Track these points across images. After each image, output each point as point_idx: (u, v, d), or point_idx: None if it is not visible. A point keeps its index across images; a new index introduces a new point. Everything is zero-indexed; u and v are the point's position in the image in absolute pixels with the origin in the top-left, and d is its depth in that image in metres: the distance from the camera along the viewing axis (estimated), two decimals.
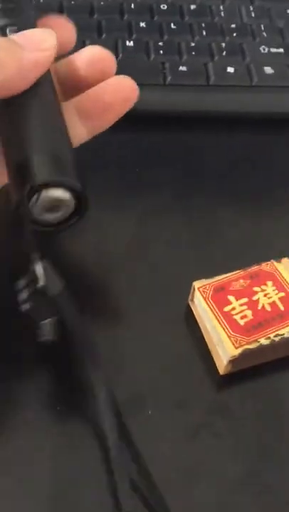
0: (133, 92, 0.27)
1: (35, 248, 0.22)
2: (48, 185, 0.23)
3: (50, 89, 0.25)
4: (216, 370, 0.28)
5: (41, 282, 0.22)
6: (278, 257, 0.30)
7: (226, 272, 0.29)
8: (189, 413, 0.27)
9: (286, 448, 0.26)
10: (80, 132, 0.27)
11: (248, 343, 0.27)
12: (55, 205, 0.23)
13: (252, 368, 0.28)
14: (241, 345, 0.26)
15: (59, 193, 0.23)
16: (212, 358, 0.28)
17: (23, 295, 0.23)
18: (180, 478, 0.25)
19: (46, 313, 0.23)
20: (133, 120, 0.38)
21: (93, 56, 0.26)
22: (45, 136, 0.24)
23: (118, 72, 0.38)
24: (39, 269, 0.22)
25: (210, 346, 0.28)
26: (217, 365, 0.28)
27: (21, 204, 0.22)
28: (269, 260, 0.30)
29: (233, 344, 0.27)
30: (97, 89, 0.27)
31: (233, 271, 0.29)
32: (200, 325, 0.29)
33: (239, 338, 0.27)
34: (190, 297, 0.30)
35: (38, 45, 0.24)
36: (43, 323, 0.23)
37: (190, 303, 0.30)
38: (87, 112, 0.26)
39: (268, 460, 0.25)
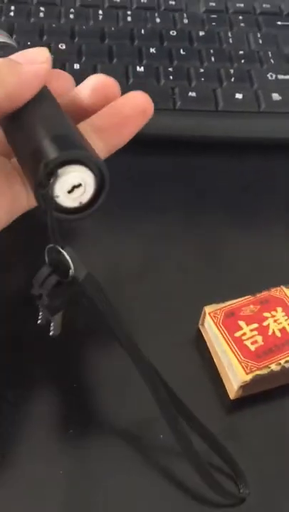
0: (149, 105, 0.28)
1: (58, 237, 0.22)
2: (64, 163, 0.22)
3: (52, 97, 0.26)
4: (226, 394, 0.28)
5: (71, 270, 0.23)
6: (288, 282, 0.30)
7: (235, 297, 0.30)
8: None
9: None
10: (97, 148, 0.27)
11: (258, 369, 0.27)
12: (75, 185, 0.22)
13: (262, 393, 0.28)
14: (252, 371, 0.27)
15: (77, 169, 0.22)
16: (222, 382, 0.28)
17: (44, 289, 0.23)
18: (193, 503, 0.25)
19: (61, 305, 0.24)
20: (143, 144, 0.39)
21: (96, 83, 0.27)
22: (55, 124, 0.24)
23: None
24: (67, 256, 0.23)
25: (220, 370, 0.29)
26: (227, 389, 0.28)
27: (40, 187, 0.22)
28: (278, 285, 0.30)
29: (244, 370, 0.27)
30: (114, 104, 0.27)
31: (242, 295, 0.30)
32: (210, 349, 0.29)
33: (250, 364, 0.27)
34: (200, 321, 0.30)
35: (34, 59, 0.25)
36: (55, 316, 0.24)
37: (200, 327, 0.30)
38: (104, 127, 0.27)
39: (281, 486, 0.26)
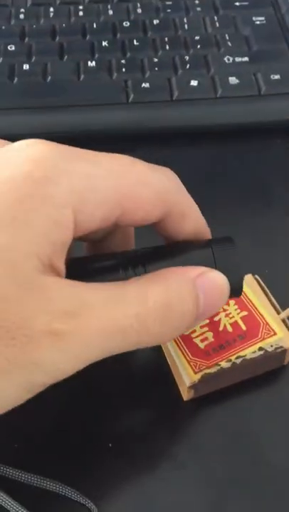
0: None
1: None
2: None
3: None
4: (180, 396, 0.27)
5: None
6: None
7: None
8: (151, 444, 0.26)
9: (253, 479, 0.25)
10: None
11: (207, 367, 0.26)
12: None
13: (217, 393, 0.27)
14: (201, 370, 0.25)
15: None
16: (176, 384, 0.27)
17: None
18: None
19: None
20: (96, 141, 0.37)
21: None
22: None
23: (79, 93, 0.38)
24: None
25: (174, 371, 0.27)
26: (181, 390, 0.27)
27: None
28: None
29: (193, 369, 0.26)
30: None
31: None
32: (164, 350, 0.28)
33: (199, 363, 0.26)
34: None
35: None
36: None
37: None
38: None
39: (235, 492, 0.24)
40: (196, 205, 0.25)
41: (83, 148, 0.23)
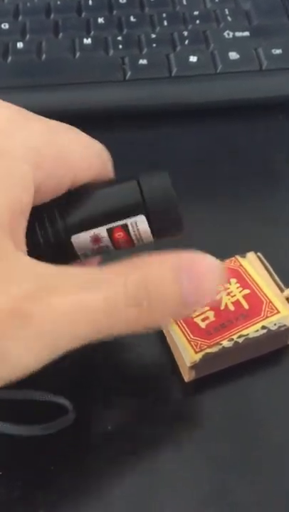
0: None
1: None
2: None
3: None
4: (182, 377, 0.26)
5: None
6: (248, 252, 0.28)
7: None
8: (152, 426, 0.25)
9: (256, 460, 0.24)
10: None
11: (209, 347, 0.25)
12: None
13: (219, 373, 0.26)
14: (202, 350, 0.25)
15: None
16: (177, 365, 0.26)
17: None
18: (141, 496, 0.23)
19: None
20: (95, 120, 0.37)
21: None
22: None
23: (75, 71, 0.37)
24: None
25: (174, 352, 0.27)
26: (182, 372, 0.26)
27: None
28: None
29: (194, 349, 0.25)
30: None
31: None
32: (164, 331, 0.27)
33: (200, 342, 0.25)
34: None
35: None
36: None
37: None
38: None
39: (237, 475, 0.23)
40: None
41: (78, 129, 0.23)
